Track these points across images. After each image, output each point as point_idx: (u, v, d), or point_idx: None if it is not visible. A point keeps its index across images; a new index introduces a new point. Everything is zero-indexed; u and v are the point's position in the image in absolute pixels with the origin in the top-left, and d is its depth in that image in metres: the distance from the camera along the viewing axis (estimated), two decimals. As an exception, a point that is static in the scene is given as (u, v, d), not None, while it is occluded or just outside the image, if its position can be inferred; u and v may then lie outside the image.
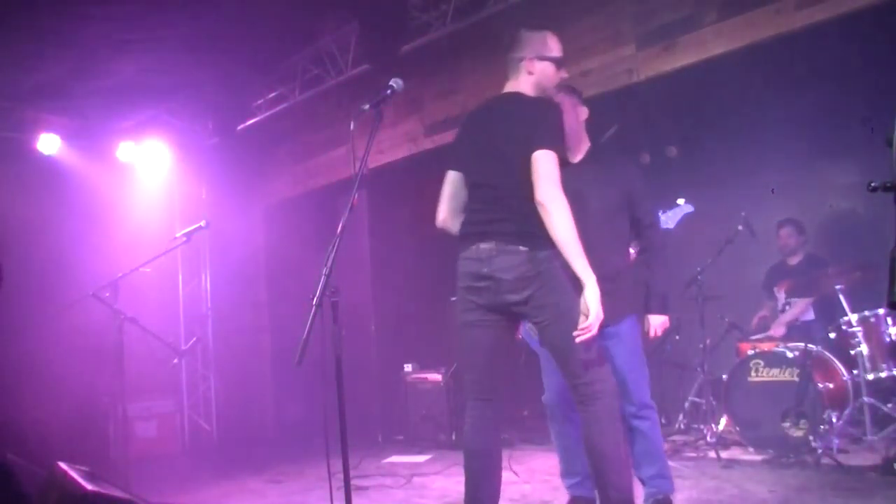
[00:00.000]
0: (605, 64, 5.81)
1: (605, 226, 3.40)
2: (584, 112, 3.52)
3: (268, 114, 7.74)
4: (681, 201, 4.51)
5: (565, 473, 3.72)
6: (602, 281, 2.86)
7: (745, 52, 5.15)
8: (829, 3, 4.71)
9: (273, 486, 5.62)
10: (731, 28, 5.18)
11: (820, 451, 4.65)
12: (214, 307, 8.81)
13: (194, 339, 7.32)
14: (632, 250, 3.74)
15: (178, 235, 5.50)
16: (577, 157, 3.45)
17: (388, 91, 3.00)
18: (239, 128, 7.85)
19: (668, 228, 4.41)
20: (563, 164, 2.95)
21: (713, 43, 5.26)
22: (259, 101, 7.79)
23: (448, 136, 3.23)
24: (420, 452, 6.09)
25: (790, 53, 5.32)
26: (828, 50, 5.21)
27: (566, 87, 3.48)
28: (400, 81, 3.04)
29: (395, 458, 6.16)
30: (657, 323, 3.58)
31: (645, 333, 3.60)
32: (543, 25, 3.18)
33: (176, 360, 7.16)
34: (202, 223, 5.39)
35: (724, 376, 5.45)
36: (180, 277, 8.72)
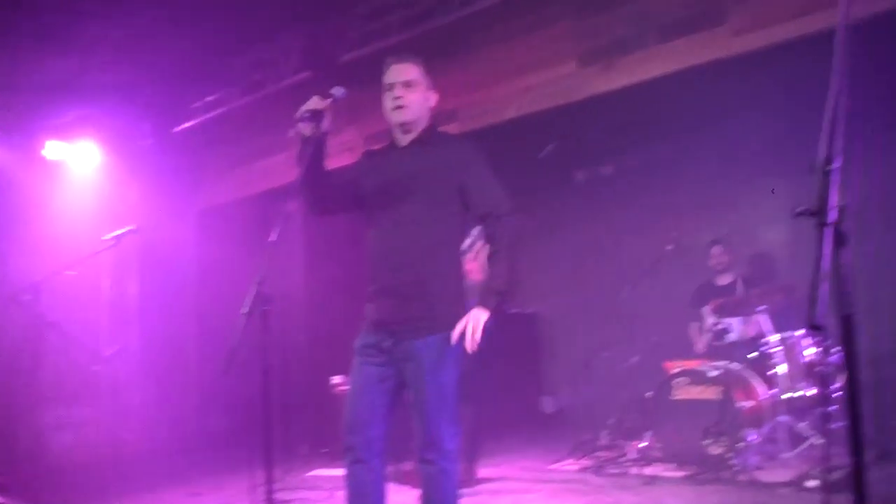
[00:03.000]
0: (546, 81, 5.89)
1: (423, 221, 2.95)
2: (432, 97, 3.11)
3: (206, 117, 7.61)
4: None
5: None
6: (410, 286, 2.88)
7: (683, 75, 5.29)
8: (764, 31, 4.88)
9: (192, 499, 5.50)
10: (669, 51, 5.31)
11: (737, 468, 4.77)
12: (141, 313, 8.58)
13: (118, 346, 7.12)
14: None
15: (105, 238, 5.34)
16: (404, 142, 3.09)
17: (330, 99, 2.96)
18: (175, 130, 7.71)
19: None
20: (386, 148, 3.07)
21: (652, 65, 5.39)
22: (197, 104, 7.65)
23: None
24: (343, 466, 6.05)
25: (726, 79, 5.49)
26: (762, 77, 5.39)
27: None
28: (342, 90, 3.00)
29: (319, 472, 6.08)
30: (475, 316, 2.84)
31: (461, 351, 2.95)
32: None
33: (97, 368, 6.95)
34: (132, 227, 5.26)
35: (648, 393, 5.54)
36: (107, 282, 8.48)
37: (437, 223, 2.95)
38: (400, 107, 3.00)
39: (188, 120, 7.70)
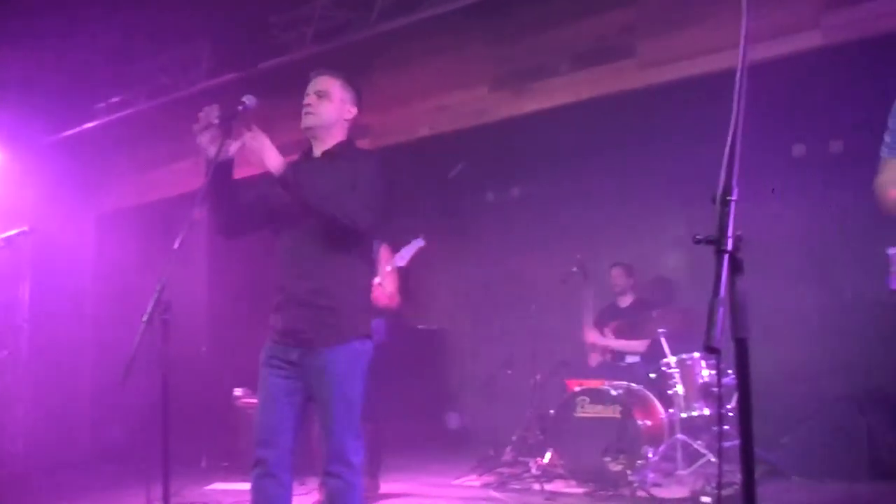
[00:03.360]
0: (458, 103, 5.96)
1: (328, 233, 2.93)
2: (349, 111, 3.11)
3: (109, 118, 7.36)
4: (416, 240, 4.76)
5: None
6: (317, 295, 2.89)
7: (591, 104, 5.44)
8: (671, 66, 5.08)
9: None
10: (579, 80, 5.46)
11: (636, 484, 4.90)
12: (32, 318, 8.20)
13: (5, 352, 6.79)
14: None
15: (-3, 238, 5.10)
16: (317, 153, 3.12)
17: (240, 107, 2.92)
18: (76, 130, 7.43)
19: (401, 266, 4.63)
20: (300, 159, 3.08)
21: (562, 92, 5.53)
22: (101, 105, 7.39)
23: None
24: (245, 480, 5.92)
25: (633, 109, 5.67)
26: (667, 109, 5.59)
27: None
28: (253, 98, 2.97)
29: (218, 485, 5.93)
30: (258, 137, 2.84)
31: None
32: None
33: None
34: (24, 228, 5.04)
35: (551, 411, 5.63)
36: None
37: (339, 236, 2.93)
38: (306, 113, 3.05)
39: (90, 120, 7.43)
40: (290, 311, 2.96)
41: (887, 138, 2.57)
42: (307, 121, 3.07)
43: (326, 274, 2.93)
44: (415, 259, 5.01)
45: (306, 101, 3.06)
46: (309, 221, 2.95)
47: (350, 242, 2.97)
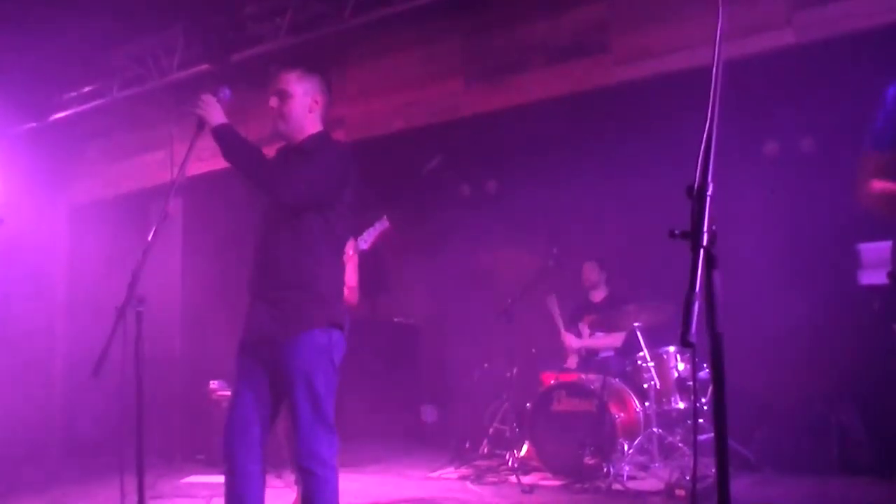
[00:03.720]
0: (433, 96, 5.95)
1: (292, 226, 2.94)
2: (314, 104, 3.08)
3: (81, 108, 7.26)
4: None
5: None
6: (279, 288, 2.91)
7: (566, 100, 5.46)
8: (645, 63, 5.11)
9: (57, 506, 5.22)
10: (553, 76, 5.48)
11: (611, 477, 4.94)
12: (2, 310, 8.08)
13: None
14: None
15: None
16: (290, 146, 3.12)
17: (216, 98, 2.91)
18: (48, 119, 7.32)
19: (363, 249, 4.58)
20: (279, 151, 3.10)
21: (536, 88, 5.54)
22: (72, 94, 7.29)
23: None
24: (221, 473, 5.89)
25: (607, 105, 5.70)
26: (640, 106, 5.62)
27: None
28: (227, 90, 2.97)
29: (193, 479, 5.90)
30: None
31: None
32: None
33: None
34: (-4, 219, 4.97)
35: (528, 404, 5.66)
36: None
37: (305, 227, 2.94)
38: (273, 118, 3.05)
39: (62, 110, 7.33)
40: (257, 305, 2.98)
41: (873, 132, 2.56)
42: (276, 126, 3.06)
43: (290, 268, 2.93)
44: (382, 242, 4.93)
45: (271, 102, 3.06)
46: (276, 215, 2.96)
47: (316, 235, 2.96)
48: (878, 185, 2.50)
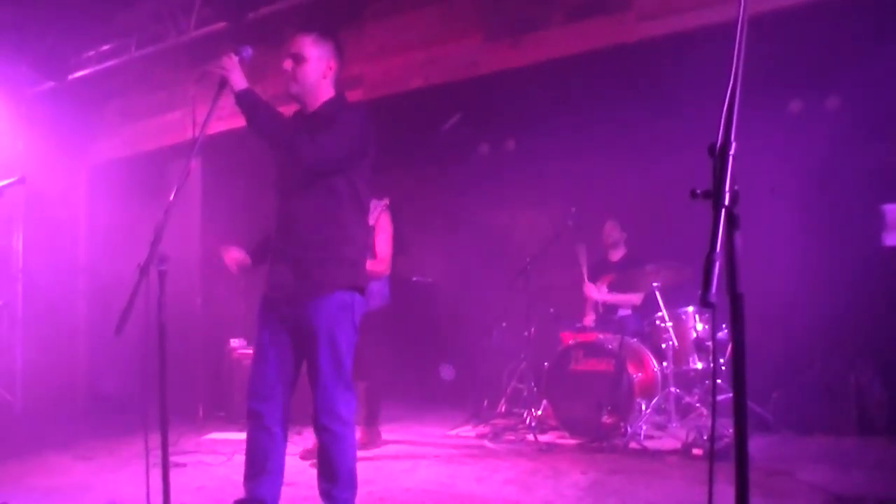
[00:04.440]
0: (451, 53, 5.88)
1: (312, 187, 2.97)
2: (328, 68, 3.07)
3: (99, 67, 7.26)
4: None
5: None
6: (301, 249, 2.94)
7: (587, 57, 5.37)
8: (668, 19, 5.00)
9: (81, 463, 5.31)
10: (574, 33, 5.39)
11: (629, 436, 4.97)
12: (26, 269, 8.19)
13: (1, 301, 6.79)
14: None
15: (-11, 189, 5.07)
16: (307, 110, 3.13)
17: (238, 58, 2.91)
18: (66, 79, 7.32)
19: None
20: (295, 114, 3.11)
21: (556, 45, 5.45)
22: (90, 53, 7.28)
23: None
24: (243, 430, 5.98)
25: (628, 63, 5.61)
26: (663, 63, 5.53)
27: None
28: (249, 49, 2.96)
29: (216, 435, 5.99)
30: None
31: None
32: None
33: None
34: (17, 177, 5.01)
35: (545, 364, 5.68)
36: (-11, 235, 8.04)
37: (329, 189, 2.96)
38: (287, 80, 3.06)
39: (80, 69, 7.33)
40: (278, 266, 3.02)
41: None
42: (290, 88, 3.07)
43: (312, 229, 2.96)
44: (392, 216, 5.17)
45: (285, 64, 3.06)
46: (295, 177, 2.97)
47: (340, 197, 2.97)
48: None
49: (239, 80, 2.86)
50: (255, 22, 6.11)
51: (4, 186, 5.02)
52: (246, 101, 2.86)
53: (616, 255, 6.43)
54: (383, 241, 5.09)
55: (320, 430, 2.93)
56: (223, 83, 2.86)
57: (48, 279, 8.05)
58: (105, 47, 7.17)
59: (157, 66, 7.12)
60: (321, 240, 2.96)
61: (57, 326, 8.01)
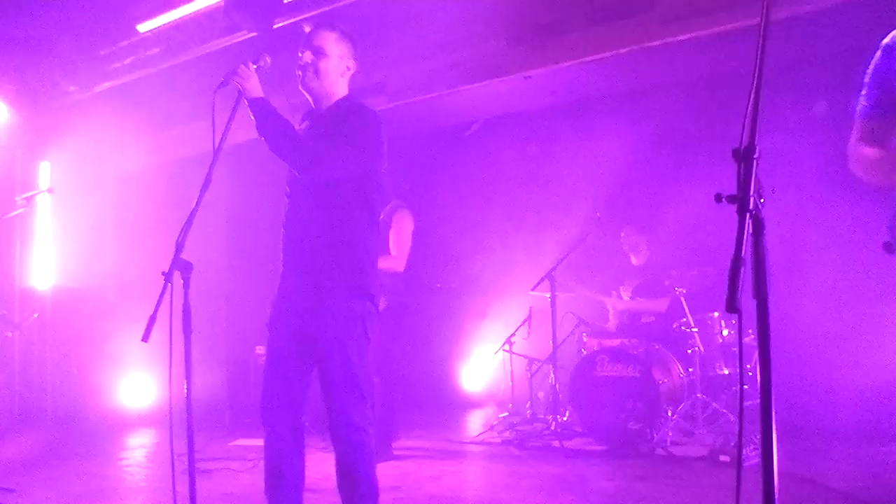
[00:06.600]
0: (474, 58, 5.88)
1: (321, 194, 2.92)
2: (347, 67, 3.07)
3: (126, 78, 7.33)
4: None
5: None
6: (310, 257, 2.90)
7: (611, 60, 5.35)
8: (690, 21, 4.97)
9: (110, 468, 5.38)
10: (597, 36, 5.37)
11: (655, 442, 4.92)
12: (57, 278, 8.29)
13: (35, 314, 6.86)
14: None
15: (18, 200, 5.15)
16: (318, 110, 3.10)
17: (256, 66, 2.91)
18: (95, 89, 7.40)
19: None
20: (305, 115, 3.09)
21: (579, 49, 5.44)
22: (116, 65, 7.35)
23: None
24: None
25: (650, 64, 5.58)
26: (685, 65, 5.50)
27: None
28: (268, 57, 2.96)
29: (242, 441, 6.03)
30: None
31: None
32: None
33: (10, 334, 6.70)
34: (46, 188, 5.08)
35: (571, 370, 5.65)
36: (17, 246, 8.14)
37: (341, 197, 2.91)
38: (305, 72, 3.01)
39: (107, 80, 7.40)
40: (289, 275, 2.98)
41: (863, 100, 2.47)
42: (307, 81, 3.02)
43: (323, 237, 2.91)
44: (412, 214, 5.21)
45: (303, 59, 3.01)
46: (304, 182, 2.94)
47: (352, 206, 2.93)
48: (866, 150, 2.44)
49: (253, 89, 2.85)
50: (281, 30, 6.15)
51: (33, 196, 5.09)
52: (256, 108, 2.84)
53: (639, 259, 6.34)
54: (398, 238, 5.09)
55: (335, 440, 2.89)
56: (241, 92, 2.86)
57: (78, 288, 8.15)
58: (129, 59, 7.23)
59: (181, 75, 7.17)
60: (330, 247, 2.91)
61: (86, 334, 8.08)
